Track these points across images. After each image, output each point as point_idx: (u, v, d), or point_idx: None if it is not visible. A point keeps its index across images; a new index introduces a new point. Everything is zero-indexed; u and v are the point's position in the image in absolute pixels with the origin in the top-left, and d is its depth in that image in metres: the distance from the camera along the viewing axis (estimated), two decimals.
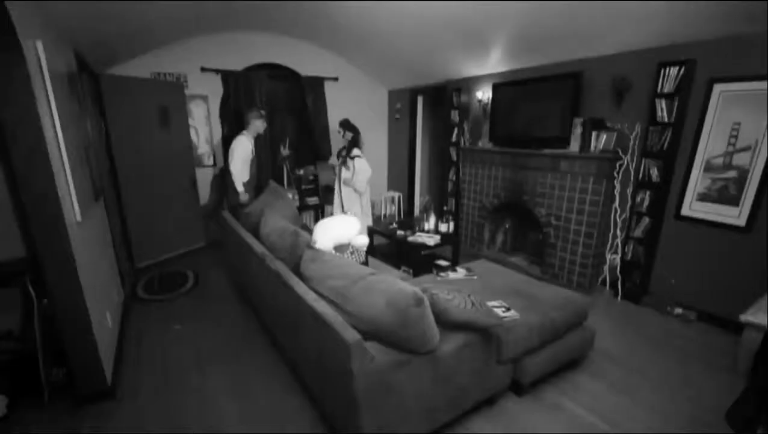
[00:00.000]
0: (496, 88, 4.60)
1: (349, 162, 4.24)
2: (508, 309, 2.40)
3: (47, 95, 2.09)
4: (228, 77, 5.23)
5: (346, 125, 4.34)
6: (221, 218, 3.83)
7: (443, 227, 4.31)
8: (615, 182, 3.65)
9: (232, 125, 5.37)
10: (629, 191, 3.62)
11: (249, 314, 3.42)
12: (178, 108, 4.69)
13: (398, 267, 4.04)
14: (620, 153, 3.56)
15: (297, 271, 2.32)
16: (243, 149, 4.23)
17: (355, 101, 6.43)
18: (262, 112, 4.44)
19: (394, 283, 1.80)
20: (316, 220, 5.79)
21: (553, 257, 4.08)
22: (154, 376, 2.59)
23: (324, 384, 2.05)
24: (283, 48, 5.59)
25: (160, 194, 4.54)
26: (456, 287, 2.33)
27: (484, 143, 4.89)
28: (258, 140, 5.53)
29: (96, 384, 2.32)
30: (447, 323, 1.90)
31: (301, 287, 2.08)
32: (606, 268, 3.88)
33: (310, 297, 1.96)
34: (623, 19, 3.09)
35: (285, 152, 5.63)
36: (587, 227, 3.73)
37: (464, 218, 5.24)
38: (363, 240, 3.03)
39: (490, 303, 2.40)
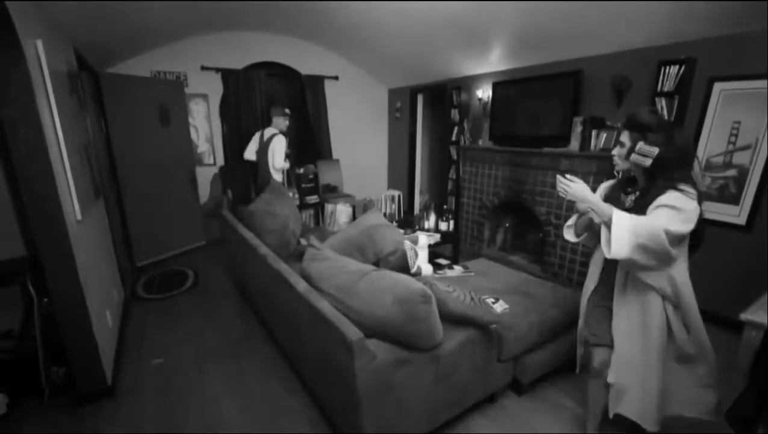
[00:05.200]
0: (496, 87, 4.59)
1: None
2: (497, 300, 2.42)
3: (47, 94, 2.09)
4: (228, 76, 5.22)
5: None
6: (222, 216, 3.83)
7: (443, 226, 4.30)
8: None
9: (233, 123, 5.37)
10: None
11: (249, 312, 3.42)
12: (179, 107, 4.69)
13: None
14: None
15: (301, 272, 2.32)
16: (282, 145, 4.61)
17: (355, 100, 6.44)
18: (286, 111, 4.68)
19: (399, 279, 1.80)
20: (316, 218, 5.78)
21: (553, 255, 4.08)
22: (154, 376, 2.60)
23: (325, 383, 2.05)
24: (283, 47, 5.59)
25: (160, 192, 4.54)
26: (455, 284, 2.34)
27: (484, 141, 4.89)
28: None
29: (96, 383, 2.32)
30: (445, 315, 1.91)
31: (302, 285, 2.08)
32: None
33: (312, 295, 1.96)
34: (623, 18, 3.09)
35: (285, 150, 5.62)
36: None
37: (464, 216, 5.24)
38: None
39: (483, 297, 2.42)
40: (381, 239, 2.81)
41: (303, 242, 3.46)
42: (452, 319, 1.97)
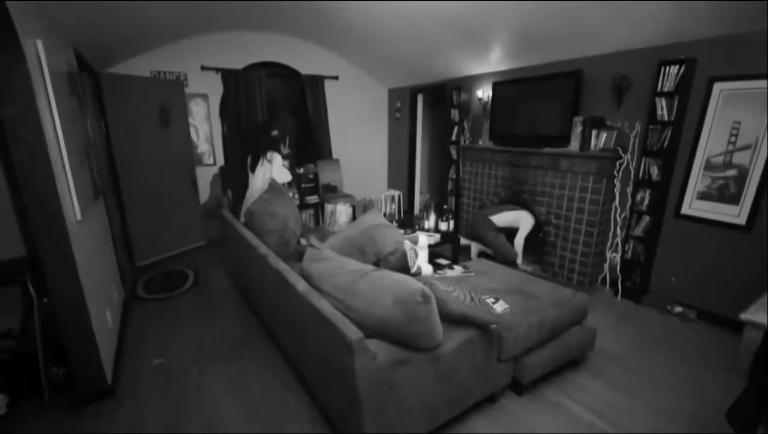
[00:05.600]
0: (496, 87, 4.60)
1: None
2: (497, 300, 2.42)
3: (47, 94, 2.09)
4: (228, 76, 5.22)
5: None
6: (222, 216, 3.83)
7: (443, 226, 4.31)
8: (615, 180, 3.64)
9: (233, 123, 5.37)
10: (629, 189, 3.62)
11: (249, 312, 3.43)
12: (179, 107, 4.69)
13: None
14: (620, 152, 3.56)
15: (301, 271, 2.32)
16: None
17: (355, 100, 6.44)
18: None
19: (399, 279, 1.80)
20: (316, 218, 5.79)
21: (553, 255, 4.08)
22: (154, 376, 2.60)
23: (325, 383, 2.05)
24: (283, 47, 5.59)
25: (160, 192, 4.54)
26: (455, 284, 2.34)
27: (484, 141, 4.89)
28: (258, 139, 5.55)
29: (96, 383, 2.32)
30: (445, 316, 1.91)
31: (302, 285, 2.08)
32: (606, 267, 3.88)
33: (312, 295, 1.96)
34: (623, 18, 3.09)
35: (285, 150, 5.62)
36: (587, 226, 3.73)
37: (464, 216, 5.24)
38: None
39: (482, 297, 2.42)
40: (381, 239, 2.81)
41: (303, 242, 3.46)
42: (452, 319, 1.97)
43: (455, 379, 1.97)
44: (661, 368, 2.66)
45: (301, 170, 5.81)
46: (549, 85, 4.02)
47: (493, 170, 4.66)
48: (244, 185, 5.24)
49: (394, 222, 4.65)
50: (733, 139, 2.97)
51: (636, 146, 3.51)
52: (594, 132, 3.63)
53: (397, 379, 1.73)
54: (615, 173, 3.62)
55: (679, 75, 3.10)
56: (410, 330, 1.72)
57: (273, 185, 3.76)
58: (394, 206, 6.53)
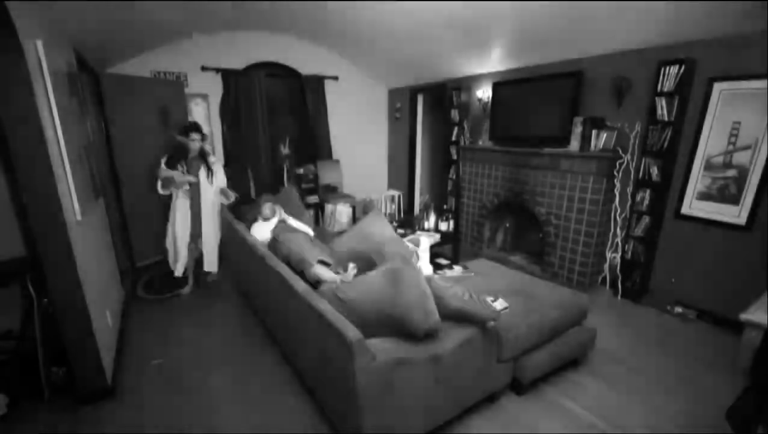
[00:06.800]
0: (496, 87, 4.59)
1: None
2: (496, 298, 2.42)
3: (47, 95, 2.09)
4: (228, 76, 5.22)
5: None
6: (222, 217, 3.83)
7: (443, 226, 4.31)
8: (615, 180, 3.64)
9: (232, 124, 5.37)
10: (629, 189, 3.62)
11: (249, 313, 3.42)
12: (179, 107, 4.68)
13: None
14: (620, 152, 3.55)
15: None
16: None
17: (355, 100, 6.44)
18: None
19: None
20: (316, 219, 5.79)
21: (553, 256, 4.08)
22: (154, 376, 2.60)
23: (324, 383, 2.05)
24: (284, 47, 5.59)
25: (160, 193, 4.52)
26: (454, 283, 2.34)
27: (484, 141, 4.89)
28: (257, 139, 5.54)
29: (96, 383, 2.32)
30: (443, 310, 1.90)
31: (301, 286, 2.08)
32: (606, 267, 3.88)
33: (312, 296, 1.96)
34: (623, 18, 3.09)
35: (285, 150, 5.63)
36: (587, 226, 3.73)
37: (464, 216, 5.24)
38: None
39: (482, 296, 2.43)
40: (391, 256, 2.60)
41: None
42: (450, 315, 1.96)
43: (455, 379, 1.96)
44: (661, 368, 2.66)
45: (301, 171, 5.81)
46: (549, 86, 4.02)
47: (493, 171, 4.66)
48: (245, 186, 5.24)
49: (394, 222, 4.65)
50: (733, 139, 2.96)
51: (636, 146, 3.51)
52: (594, 132, 3.63)
53: (396, 379, 1.73)
54: (615, 173, 3.62)
55: (679, 75, 3.10)
56: (401, 301, 1.76)
57: (286, 189, 3.70)
58: (394, 207, 6.52)
